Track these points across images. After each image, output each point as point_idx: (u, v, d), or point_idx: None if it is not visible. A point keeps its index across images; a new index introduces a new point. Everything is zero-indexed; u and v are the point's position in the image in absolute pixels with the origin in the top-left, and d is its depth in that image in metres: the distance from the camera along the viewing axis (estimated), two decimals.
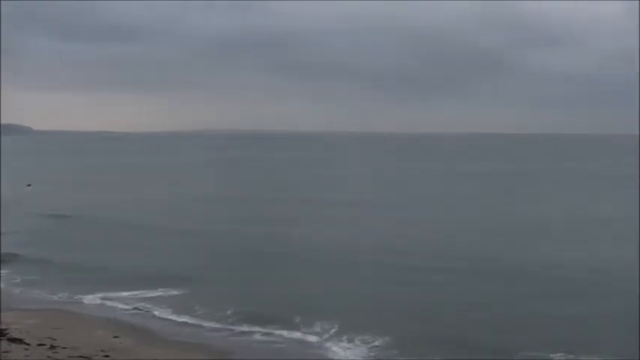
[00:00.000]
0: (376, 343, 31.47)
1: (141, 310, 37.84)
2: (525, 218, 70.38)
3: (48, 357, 28.36)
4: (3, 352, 28.31)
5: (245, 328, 34.45)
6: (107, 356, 29.07)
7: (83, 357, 28.59)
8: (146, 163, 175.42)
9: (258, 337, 33.42)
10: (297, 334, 33.23)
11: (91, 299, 40.12)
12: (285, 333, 33.43)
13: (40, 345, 29.90)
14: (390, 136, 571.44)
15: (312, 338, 32.66)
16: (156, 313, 37.30)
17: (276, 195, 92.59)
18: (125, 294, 40.66)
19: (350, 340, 31.95)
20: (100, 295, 40.60)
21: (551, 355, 29.53)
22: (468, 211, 76.97)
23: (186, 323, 35.62)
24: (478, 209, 78.06)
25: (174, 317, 36.48)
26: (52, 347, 29.75)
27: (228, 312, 36.48)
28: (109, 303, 39.37)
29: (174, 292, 40.91)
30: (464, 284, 42.45)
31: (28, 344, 29.84)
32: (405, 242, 56.17)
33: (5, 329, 32.13)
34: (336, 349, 31.29)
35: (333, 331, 33.19)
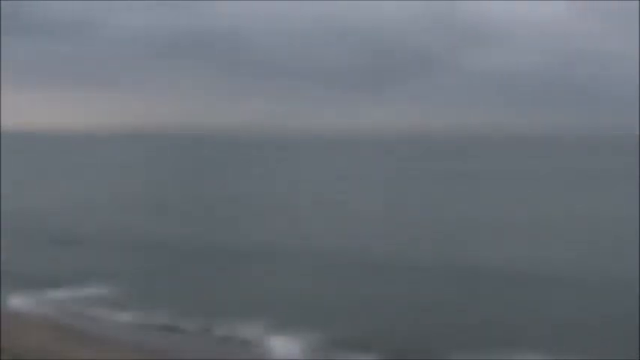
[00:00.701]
0: (315, 340, 31.16)
1: (72, 309, 36.76)
2: (463, 219, 70.86)
3: None
4: None
5: (180, 325, 33.73)
6: (37, 358, 28.10)
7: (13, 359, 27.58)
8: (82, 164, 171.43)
9: (193, 335, 32.82)
10: (234, 332, 32.68)
11: (19, 300, 38.77)
12: (221, 331, 32.87)
13: None
14: (333, 134, 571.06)
15: (250, 335, 32.16)
16: (87, 312, 36.30)
17: (211, 193, 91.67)
18: (56, 293, 39.44)
19: (288, 337, 31.57)
20: (27, 294, 39.25)
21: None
22: (407, 209, 77.16)
23: (119, 322, 34.77)
24: (418, 208, 78.03)
25: (106, 316, 35.58)
26: None
27: (163, 310, 35.65)
28: (37, 303, 38.11)
29: (106, 291, 39.85)
30: (408, 282, 42.52)
31: None
32: (349, 240, 56.08)
33: None
34: (274, 346, 30.97)
35: (270, 328, 32.71)
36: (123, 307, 36.55)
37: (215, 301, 37.90)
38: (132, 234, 59.19)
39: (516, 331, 33.43)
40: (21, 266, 46.66)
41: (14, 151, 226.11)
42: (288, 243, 54.64)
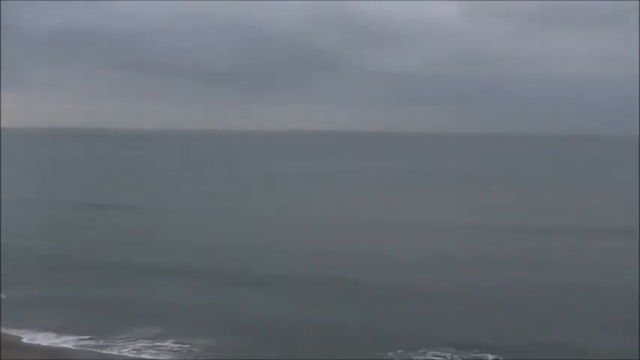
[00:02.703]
0: (192, 349, 28.33)
1: None
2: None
3: None
4: None
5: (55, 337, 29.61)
6: None
7: None
8: None
9: (69, 345, 28.78)
10: (111, 342, 28.96)
11: None
12: (96, 342, 29.00)
13: None
14: (227, 134, 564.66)
15: (127, 345, 28.65)
16: None
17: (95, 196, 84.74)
18: None
19: (166, 346, 28.56)
20: None
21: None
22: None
23: None
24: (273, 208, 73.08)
25: None
26: None
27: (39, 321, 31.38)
28: None
29: None
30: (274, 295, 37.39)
31: None
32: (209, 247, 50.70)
33: None
34: (148, 355, 27.75)
35: (148, 337, 29.39)
36: None
37: (93, 310, 33.50)
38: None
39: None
40: None
41: None
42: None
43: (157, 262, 43.99)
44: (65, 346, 28.66)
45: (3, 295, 35.14)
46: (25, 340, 29.37)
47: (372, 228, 58.16)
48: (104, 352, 27.98)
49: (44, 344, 28.88)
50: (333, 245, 50.87)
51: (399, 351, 27.46)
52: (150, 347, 28.23)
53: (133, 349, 28.06)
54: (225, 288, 37.95)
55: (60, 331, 30.19)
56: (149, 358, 27.56)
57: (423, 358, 27.01)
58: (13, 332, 30.11)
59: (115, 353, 27.79)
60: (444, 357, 27.09)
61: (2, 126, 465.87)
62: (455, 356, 27.10)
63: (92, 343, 28.77)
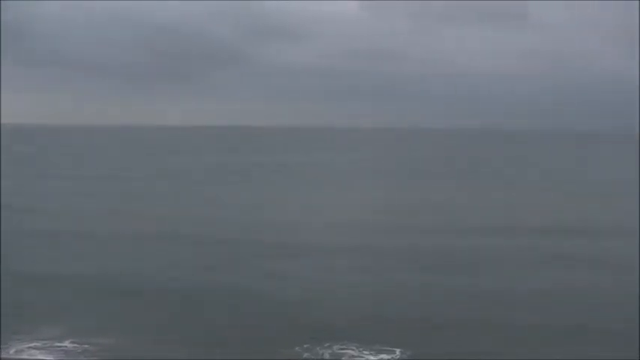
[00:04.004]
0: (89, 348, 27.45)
1: None
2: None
3: None
4: None
5: None
6: None
7: None
8: None
9: None
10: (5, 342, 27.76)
11: None
12: None
13: None
14: (124, 129, 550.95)
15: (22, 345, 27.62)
16: None
17: None
18: None
19: (65, 346, 27.61)
20: None
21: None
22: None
23: None
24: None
25: None
26: None
27: None
28: None
29: None
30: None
31: None
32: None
33: None
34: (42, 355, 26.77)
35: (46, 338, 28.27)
36: None
37: None
38: None
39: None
40: None
41: None
42: None
43: None
44: None
45: None
46: None
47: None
48: None
49: None
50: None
51: (305, 345, 27.30)
52: (45, 348, 27.24)
53: (29, 348, 27.21)
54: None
55: None
56: (41, 358, 26.56)
57: (329, 351, 26.91)
58: None
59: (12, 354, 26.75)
60: (351, 350, 27.03)
61: None
62: (361, 349, 27.05)
63: None
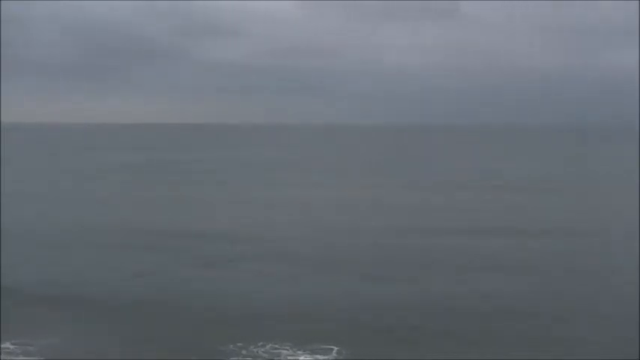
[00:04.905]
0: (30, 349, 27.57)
1: None
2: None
3: None
4: None
5: None
6: None
7: None
8: None
9: None
10: None
11: None
12: None
13: None
14: (54, 127, 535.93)
15: None
16: None
17: None
18: None
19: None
20: None
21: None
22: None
23: None
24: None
25: None
26: None
27: None
28: None
29: None
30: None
31: None
32: None
33: None
34: None
35: None
36: None
37: None
38: None
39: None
40: None
41: None
42: None
43: None
44: None
45: None
46: None
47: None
48: None
49: None
50: None
51: (239, 344, 27.72)
52: None
53: None
54: None
55: None
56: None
57: (262, 350, 27.34)
58: None
59: None
60: (285, 349, 27.47)
61: None
62: (295, 349, 27.52)
63: None
